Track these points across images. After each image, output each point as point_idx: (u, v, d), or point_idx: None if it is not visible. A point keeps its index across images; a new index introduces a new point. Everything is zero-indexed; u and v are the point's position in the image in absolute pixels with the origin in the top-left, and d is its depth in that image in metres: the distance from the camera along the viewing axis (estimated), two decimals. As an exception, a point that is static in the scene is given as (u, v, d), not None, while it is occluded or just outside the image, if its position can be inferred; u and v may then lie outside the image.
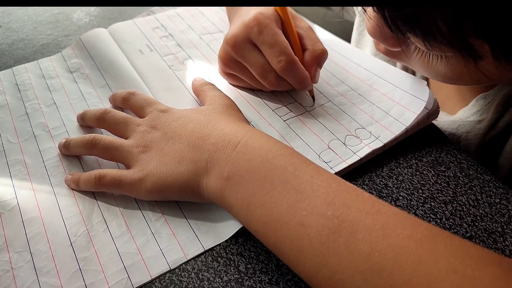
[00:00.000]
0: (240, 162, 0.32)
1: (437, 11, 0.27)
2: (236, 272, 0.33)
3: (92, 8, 0.63)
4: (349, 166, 0.39)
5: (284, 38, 0.43)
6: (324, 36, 0.54)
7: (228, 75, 0.47)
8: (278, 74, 0.43)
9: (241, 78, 0.46)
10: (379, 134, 0.41)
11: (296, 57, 0.42)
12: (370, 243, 0.26)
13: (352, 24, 0.67)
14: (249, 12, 0.43)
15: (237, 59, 0.44)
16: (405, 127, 0.41)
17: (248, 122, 0.41)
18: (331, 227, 0.28)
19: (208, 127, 0.36)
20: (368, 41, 0.62)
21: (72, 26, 0.60)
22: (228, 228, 0.35)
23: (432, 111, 0.42)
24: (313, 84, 0.45)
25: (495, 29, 0.26)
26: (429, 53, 0.36)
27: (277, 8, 0.44)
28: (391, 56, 0.42)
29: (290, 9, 0.47)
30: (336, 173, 0.38)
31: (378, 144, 0.41)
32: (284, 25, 0.44)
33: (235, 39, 0.43)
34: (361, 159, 0.40)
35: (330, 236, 0.27)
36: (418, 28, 0.29)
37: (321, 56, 0.44)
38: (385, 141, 0.41)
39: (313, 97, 0.46)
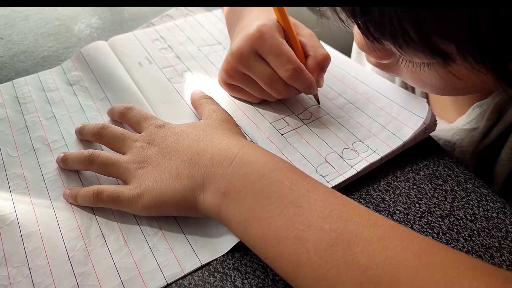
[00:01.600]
0: (236, 177, 0.33)
1: (403, 15, 0.27)
2: None
3: (92, 20, 0.64)
4: (346, 180, 0.39)
5: (289, 47, 0.43)
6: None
7: (229, 86, 0.48)
8: (286, 82, 0.43)
9: (242, 89, 0.46)
10: (376, 147, 0.42)
11: (302, 65, 0.43)
12: (368, 256, 0.26)
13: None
14: (252, 24, 0.44)
15: (243, 71, 0.44)
16: (403, 141, 0.41)
17: (244, 136, 0.41)
18: (328, 241, 0.28)
19: (204, 142, 0.36)
20: None
21: (72, 38, 0.60)
22: (225, 243, 0.35)
23: (430, 125, 0.42)
24: (318, 88, 0.46)
25: (456, 28, 0.26)
26: (413, 62, 0.36)
27: (279, 18, 0.44)
28: (382, 68, 0.43)
29: (291, 17, 0.47)
30: (333, 187, 0.39)
31: (375, 158, 0.41)
32: (286, 34, 0.45)
33: (241, 51, 0.43)
34: (358, 173, 0.40)
35: (328, 249, 0.27)
36: (388, 33, 0.29)
37: (323, 61, 0.45)
38: (382, 154, 0.41)
39: (318, 100, 0.47)
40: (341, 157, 0.41)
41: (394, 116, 0.44)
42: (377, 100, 0.46)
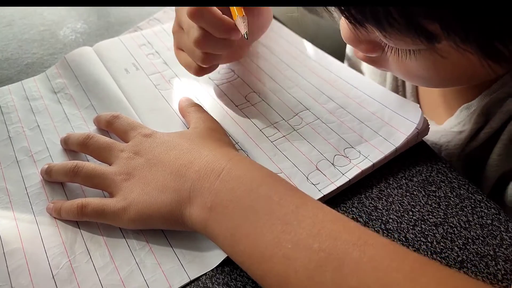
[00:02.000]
0: (223, 191, 0.32)
1: None
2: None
3: (78, 25, 0.63)
4: (337, 188, 0.38)
5: (206, 11, 0.38)
6: (312, 52, 0.53)
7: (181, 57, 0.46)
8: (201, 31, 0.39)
9: None
10: (368, 153, 0.41)
11: (203, 7, 0.38)
12: (358, 277, 0.26)
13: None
14: None
15: (178, 47, 0.45)
16: (395, 147, 0.40)
17: (233, 146, 0.40)
18: (317, 261, 0.27)
19: (191, 153, 0.35)
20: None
21: (57, 44, 0.59)
22: (215, 257, 0.34)
23: (422, 130, 0.41)
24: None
25: (440, 7, 0.26)
26: (399, 50, 0.36)
27: None
28: (371, 62, 0.42)
29: None
30: (324, 196, 0.38)
31: (367, 164, 0.40)
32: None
33: (174, 25, 0.44)
34: (350, 180, 0.39)
35: (317, 270, 0.27)
36: (370, 15, 0.29)
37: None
38: (375, 160, 0.40)
39: (246, 34, 0.39)
40: (332, 164, 0.40)
41: (386, 121, 0.43)
42: (369, 105, 0.45)
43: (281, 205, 0.30)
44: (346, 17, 0.31)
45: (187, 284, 0.33)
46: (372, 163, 0.40)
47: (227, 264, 0.34)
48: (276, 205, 0.30)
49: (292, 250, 0.28)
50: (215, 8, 0.39)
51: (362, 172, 0.39)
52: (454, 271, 0.26)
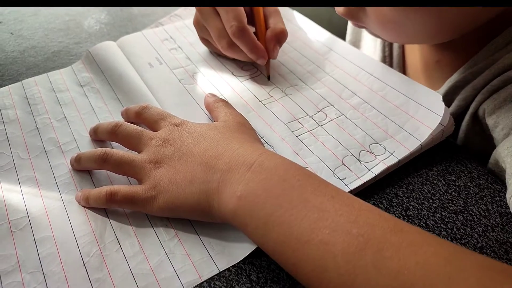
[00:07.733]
0: (255, 181, 0.32)
1: None
2: (248, 281, 0.33)
3: (102, 16, 0.63)
4: (364, 183, 0.38)
5: (241, 7, 0.46)
6: (332, 42, 0.53)
7: (204, 41, 0.53)
8: (232, 40, 0.46)
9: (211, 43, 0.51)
10: (393, 150, 0.41)
11: (247, 26, 0.46)
12: (399, 260, 0.26)
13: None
14: None
15: (203, 24, 0.49)
16: (420, 142, 0.40)
17: (261, 142, 0.40)
18: (357, 245, 0.27)
19: (221, 145, 0.36)
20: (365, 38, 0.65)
21: (82, 34, 0.60)
22: (243, 248, 0.34)
23: (447, 127, 0.41)
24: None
25: None
26: None
27: None
28: (351, 17, 0.45)
29: None
30: (351, 191, 0.38)
31: (393, 160, 0.40)
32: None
33: (195, 18, 0.49)
34: (376, 176, 0.39)
35: (356, 254, 0.27)
36: None
37: (280, 34, 0.49)
38: (400, 157, 0.40)
39: (268, 76, 0.50)
40: (358, 159, 0.40)
41: (411, 115, 0.43)
42: (393, 98, 0.45)
43: (316, 195, 0.30)
44: None
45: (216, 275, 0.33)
46: (397, 159, 0.40)
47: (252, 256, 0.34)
48: (311, 194, 0.30)
49: (330, 235, 0.28)
50: (252, 34, 0.46)
51: (388, 168, 0.40)
52: (487, 257, 0.26)
